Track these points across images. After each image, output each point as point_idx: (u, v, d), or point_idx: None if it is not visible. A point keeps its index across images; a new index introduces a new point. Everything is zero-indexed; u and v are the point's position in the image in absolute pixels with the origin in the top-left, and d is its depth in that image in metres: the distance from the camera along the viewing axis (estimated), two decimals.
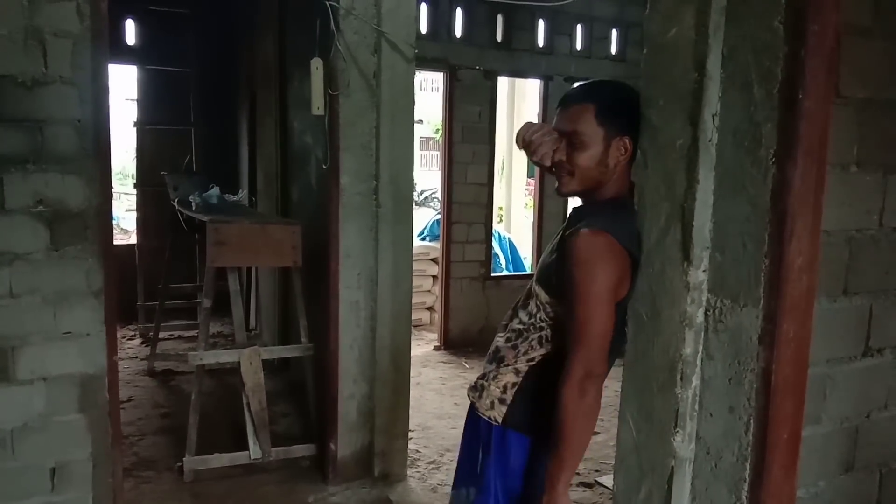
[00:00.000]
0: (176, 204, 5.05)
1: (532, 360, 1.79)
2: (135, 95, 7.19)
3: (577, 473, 3.53)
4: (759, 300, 1.25)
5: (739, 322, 1.29)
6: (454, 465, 3.94)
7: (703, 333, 1.38)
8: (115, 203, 3.01)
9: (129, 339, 6.24)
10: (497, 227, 8.28)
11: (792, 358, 1.25)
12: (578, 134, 1.65)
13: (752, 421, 1.28)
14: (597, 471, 3.84)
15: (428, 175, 18.30)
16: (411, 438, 3.96)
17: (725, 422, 1.33)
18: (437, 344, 6.54)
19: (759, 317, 1.25)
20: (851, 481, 1.53)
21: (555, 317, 1.73)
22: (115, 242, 2.98)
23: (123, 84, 7.46)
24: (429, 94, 17.54)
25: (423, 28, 5.89)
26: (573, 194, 1.76)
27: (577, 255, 1.59)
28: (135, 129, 7.11)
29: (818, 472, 1.46)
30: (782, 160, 1.20)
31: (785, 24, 1.19)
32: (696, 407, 1.39)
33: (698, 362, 1.38)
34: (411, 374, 3.76)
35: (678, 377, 1.39)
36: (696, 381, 1.38)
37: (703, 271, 1.35)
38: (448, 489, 3.68)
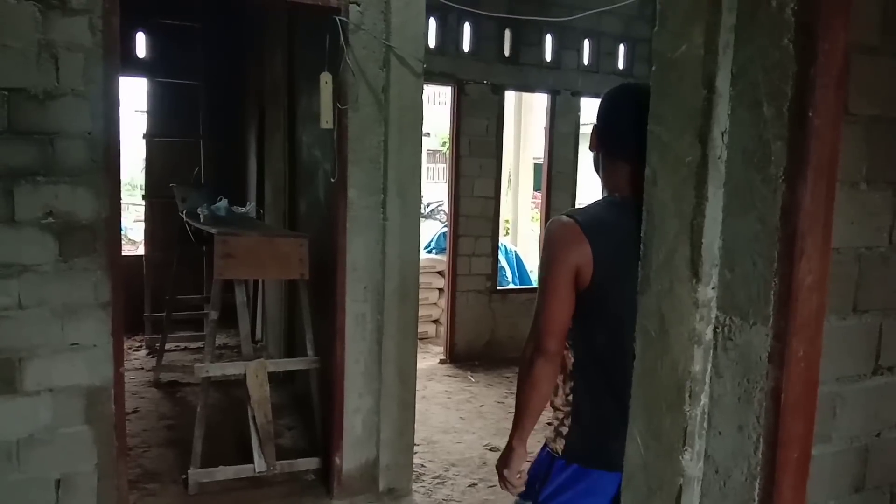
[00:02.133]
0: (184, 216, 5.07)
1: (571, 386, 1.82)
2: (144, 107, 7.25)
3: None
4: (768, 318, 1.24)
5: (749, 340, 1.29)
6: (459, 479, 3.95)
7: (711, 351, 1.37)
8: (123, 214, 3.02)
9: (135, 350, 6.24)
10: (503, 240, 8.27)
11: (802, 376, 1.25)
12: None
13: (761, 440, 1.27)
14: None
15: (434, 188, 18.32)
16: (416, 453, 3.94)
17: (734, 440, 1.32)
18: (443, 357, 6.53)
19: (769, 335, 1.24)
20: (862, 501, 1.51)
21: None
22: (123, 254, 2.99)
23: (133, 96, 7.50)
24: (436, 107, 17.61)
25: (432, 42, 5.93)
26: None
27: (543, 241, 1.79)
28: (144, 140, 7.16)
29: (828, 491, 1.45)
30: (792, 178, 1.20)
31: (795, 42, 1.19)
32: (705, 425, 1.38)
33: (707, 380, 1.37)
34: (417, 388, 3.75)
35: (687, 395, 1.38)
36: (704, 399, 1.37)
37: (713, 288, 1.35)
38: None
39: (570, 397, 1.81)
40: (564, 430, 1.81)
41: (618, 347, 1.65)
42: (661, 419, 1.45)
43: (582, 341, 1.78)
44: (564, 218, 1.77)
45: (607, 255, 1.70)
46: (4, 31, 2.43)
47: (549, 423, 1.88)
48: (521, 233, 11.39)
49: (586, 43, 6.68)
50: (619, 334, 1.64)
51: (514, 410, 1.85)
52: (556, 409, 1.85)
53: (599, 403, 1.78)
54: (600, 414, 1.77)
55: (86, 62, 2.55)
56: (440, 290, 7.19)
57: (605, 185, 1.87)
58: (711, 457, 1.38)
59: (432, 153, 20.39)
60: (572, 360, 1.80)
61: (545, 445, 1.91)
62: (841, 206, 1.27)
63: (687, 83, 1.37)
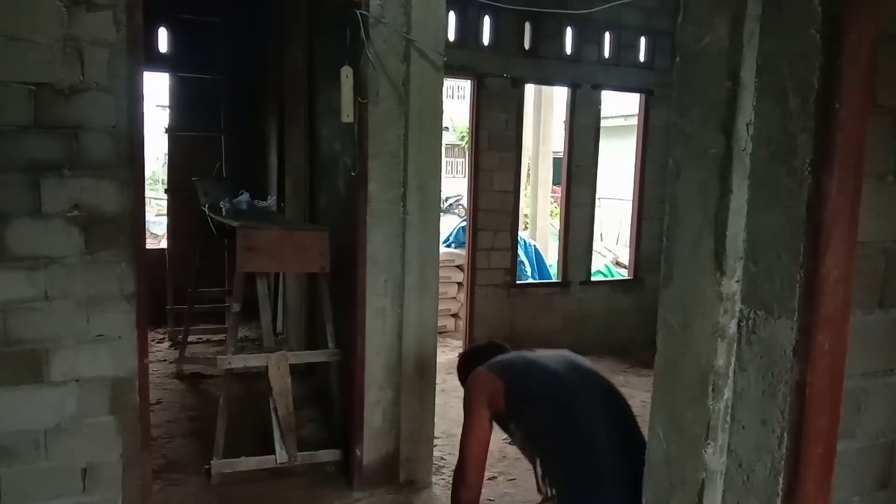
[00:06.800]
0: (206, 209, 5.11)
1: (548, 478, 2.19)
2: (166, 102, 7.31)
3: None
4: (793, 312, 1.23)
5: (773, 334, 1.28)
6: None
7: (735, 345, 1.36)
8: (146, 207, 3.05)
9: (158, 343, 6.31)
10: (523, 234, 8.25)
11: (827, 371, 1.24)
12: None
13: (785, 434, 1.26)
14: None
15: (453, 182, 18.31)
16: (436, 445, 3.95)
17: (758, 435, 1.31)
18: (462, 351, 6.53)
19: (794, 329, 1.24)
20: (887, 498, 1.50)
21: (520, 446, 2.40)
22: (146, 247, 3.02)
23: (155, 91, 7.56)
24: (455, 100, 17.58)
25: (451, 36, 5.91)
26: None
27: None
28: (166, 135, 7.22)
29: (853, 487, 1.44)
30: (818, 171, 1.19)
31: (821, 32, 1.18)
32: (728, 419, 1.38)
33: (731, 374, 1.37)
34: (436, 381, 3.76)
35: (710, 389, 1.38)
36: (728, 393, 1.37)
37: (737, 282, 1.34)
38: None
39: (553, 490, 2.09)
40: None
41: (564, 426, 2.07)
42: (684, 413, 1.44)
43: (534, 441, 2.21)
44: (473, 373, 2.40)
45: (513, 374, 2.29)
46: (30, 26, 2.45)
47: None
48: (541, 227, 11.36)
49: (607, 35, 6.63)
50: (560, 416, 2.07)
51: None
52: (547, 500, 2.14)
53: (575, 477, 2.03)
54: (581, 484, 2.01)
55: (110, 57, 2.57)
56: (459, 283, 7.19)
57: None
58: (734, 451, 1.37)
59: (451, 147, 20.37)
60: (538, 459, 2.16)
61: None
62: (868, 199, 1.26)
63: (711, 74, 1.36)
